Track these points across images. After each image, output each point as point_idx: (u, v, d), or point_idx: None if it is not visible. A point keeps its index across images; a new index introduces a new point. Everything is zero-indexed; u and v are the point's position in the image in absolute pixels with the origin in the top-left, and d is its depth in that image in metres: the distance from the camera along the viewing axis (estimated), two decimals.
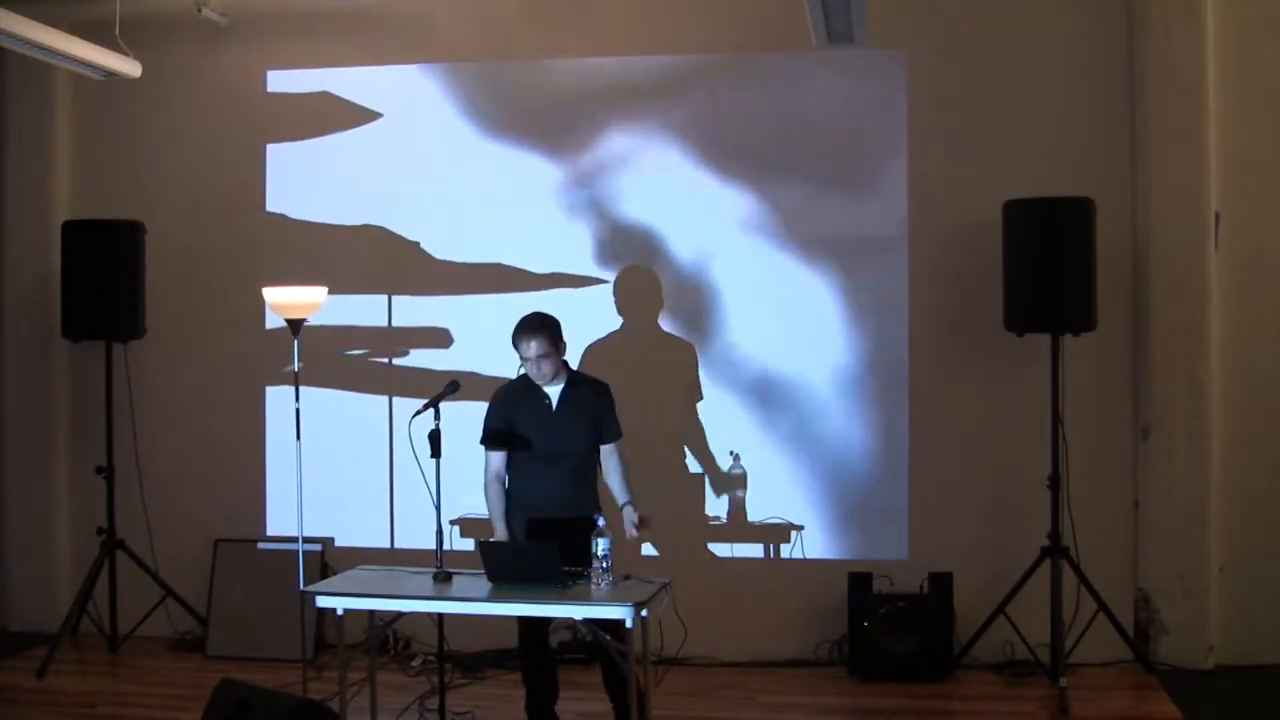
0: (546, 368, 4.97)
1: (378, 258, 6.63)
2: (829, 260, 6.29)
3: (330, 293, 5.87)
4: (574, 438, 5.05)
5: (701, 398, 6.36)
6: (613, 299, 6.40)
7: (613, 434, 5.12)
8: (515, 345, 4.98)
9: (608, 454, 5.12)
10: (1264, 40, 6.02)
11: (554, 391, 5.05)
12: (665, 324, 6.41)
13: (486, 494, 5.13)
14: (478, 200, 6.51)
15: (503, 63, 6.54)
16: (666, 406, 6.37)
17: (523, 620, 5.00)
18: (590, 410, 5.06)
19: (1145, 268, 6.01)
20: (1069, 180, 5.87)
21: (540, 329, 4.96)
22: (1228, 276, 5.99)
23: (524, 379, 5.07)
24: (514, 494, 5.11)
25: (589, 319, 6.28)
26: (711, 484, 6.38)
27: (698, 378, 6.36)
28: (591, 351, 6.25)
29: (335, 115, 6.65)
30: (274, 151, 6.71)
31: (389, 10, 6.58)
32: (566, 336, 5.07)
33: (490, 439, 5.09)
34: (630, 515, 5.00)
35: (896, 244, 6.24)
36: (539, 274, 6.44)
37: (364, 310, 6.61)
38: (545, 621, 5.07)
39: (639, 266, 6.41)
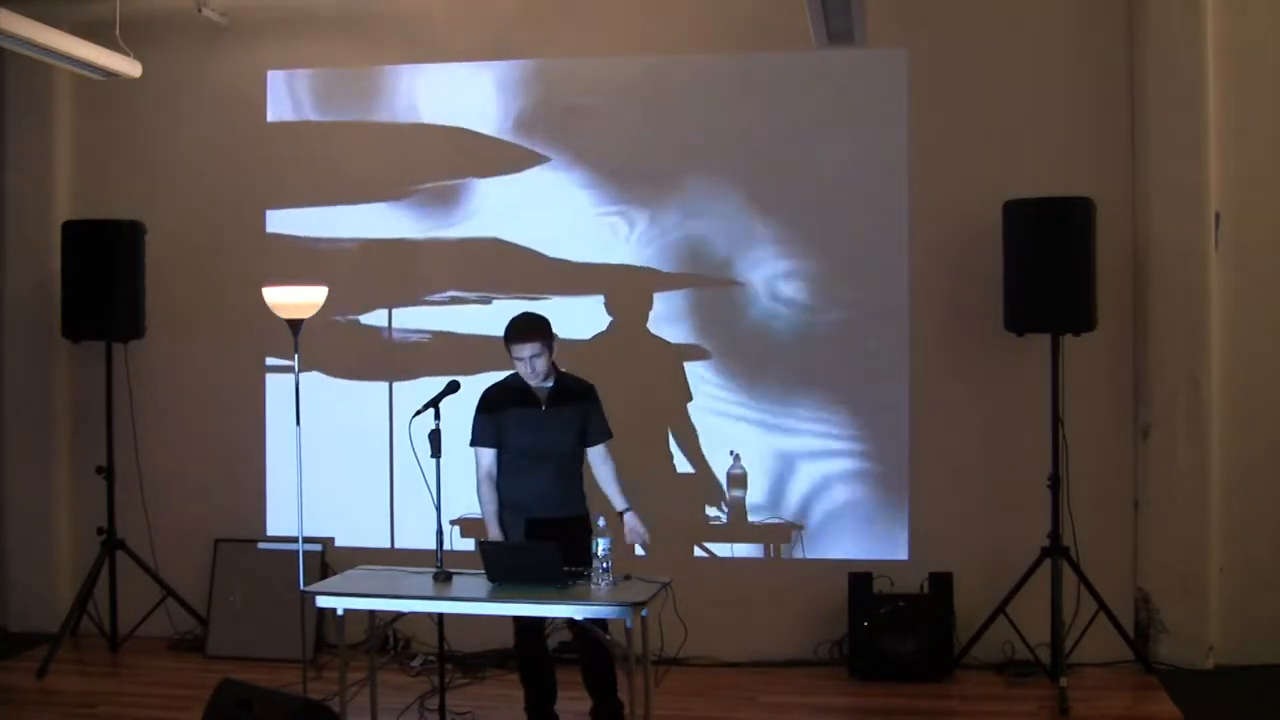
0: (540, 366, 4.99)
1: (373, 262, 6.64)
2: (829, 260, 6.29)
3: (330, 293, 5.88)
4: (561, 438, 5.07)
5: (690, 398, 6.35)
6: (602, 297, 6.41)
7: (600, 435, 5.13)
8: (508, 345, 4.99)
9: (597, 456, 5.14)
10: (1264, 40, 6.01)
11: (543, 391, 5.07)
12: (656, 324, 6.41)
13: (479, 494, 5.13)
14: (475, 200, 6.54)
15: (503, 63, 6.54)
16: (656, 406, 6.36)
17: (518, 621, 5.02)
18: (577, 410, 5.09)
19: (1145, 268, 6.01)
20: (1069, 180, 5.87)
21: (534, 329, 4.99)
22: (1228, 276, 5.99)
23: (514, 378, 5.09)
24: (503, 493, 5.12)
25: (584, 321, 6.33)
26: (704, 486, 6.36)
27: (685, 379, 6.36)
28: (579, 351, 6.20)
29: (336, 113, 6.67)
30: (275, 148, 6.72)
31: (389, 10, 6.59)
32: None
33: (479, 438, 5.10)
34: (634, 524, 5.05)
35: (897, 244, 6.24)
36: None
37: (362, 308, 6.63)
38: (540, 622, 5.08)
39: (631, 266, 6.40)
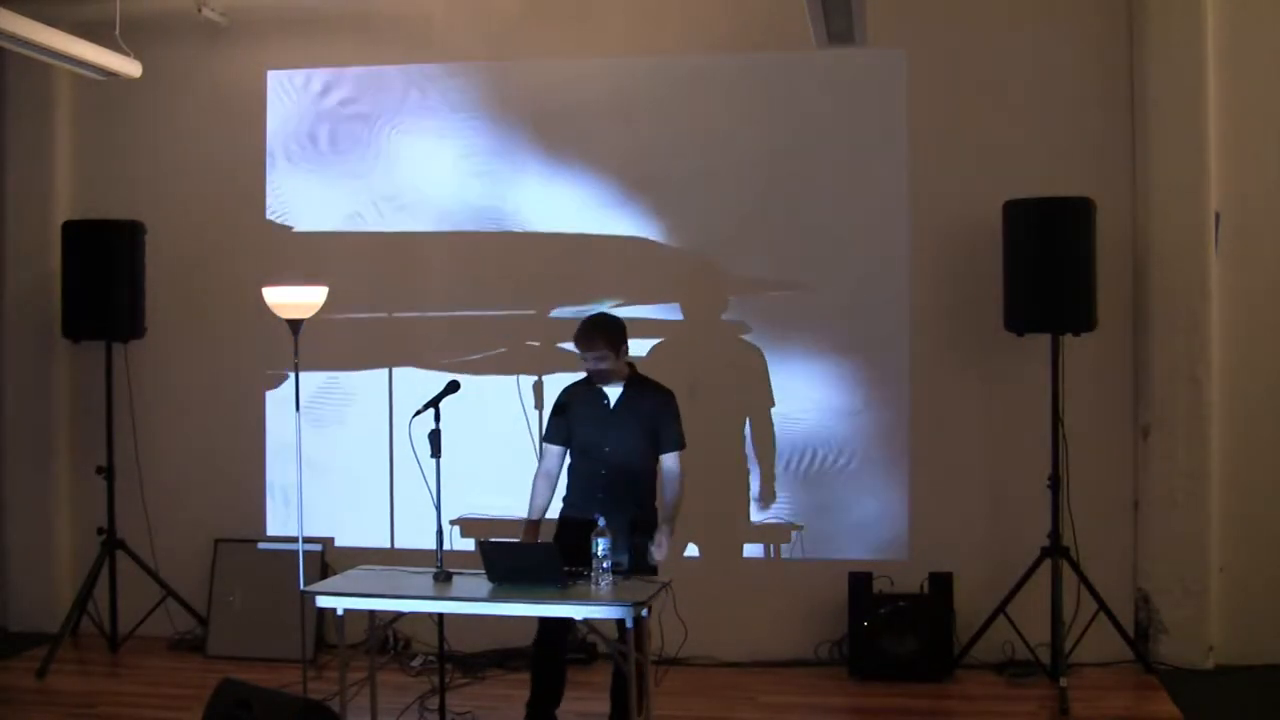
0: (605, 369, 4.99)
1: (378, 262, 6.64)
2: (829, 260, 6.29)
3: (332, 296, 5.88)
4: (626, 439, 5.03)
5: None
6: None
7: (671, 444, 5.07)
8: (576, 345, 5.01)
9: (665, 465, 5.08)
10: (1263, 40, 6.02)
11: (614, 393, 5.06)
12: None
13: (532, 487, 5.18)
14: (473, 200, 6.54)
15: (503, 63, 6.54)
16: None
17: (543, 620, 4.97)
18: (648, 415, 5.05)
19: (1145, 268, 6.01)
20: (1069, 180, 5.86)
21: (599, 331, 4.99)
22: (1228, 276, 5.99)
23: (589, 379, 5.10)
24: (565, 493, 5.16)
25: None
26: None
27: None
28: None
29: (337, 112, 6.67)
30: (275, 149, 6.72)
31: (389, 10, 6.59)
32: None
33: (547, 434, 5.18)
34: (660, 540, 4.95)
35: (897, 244, 6.23)
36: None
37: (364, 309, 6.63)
38: (566, 624, 5.06)
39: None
